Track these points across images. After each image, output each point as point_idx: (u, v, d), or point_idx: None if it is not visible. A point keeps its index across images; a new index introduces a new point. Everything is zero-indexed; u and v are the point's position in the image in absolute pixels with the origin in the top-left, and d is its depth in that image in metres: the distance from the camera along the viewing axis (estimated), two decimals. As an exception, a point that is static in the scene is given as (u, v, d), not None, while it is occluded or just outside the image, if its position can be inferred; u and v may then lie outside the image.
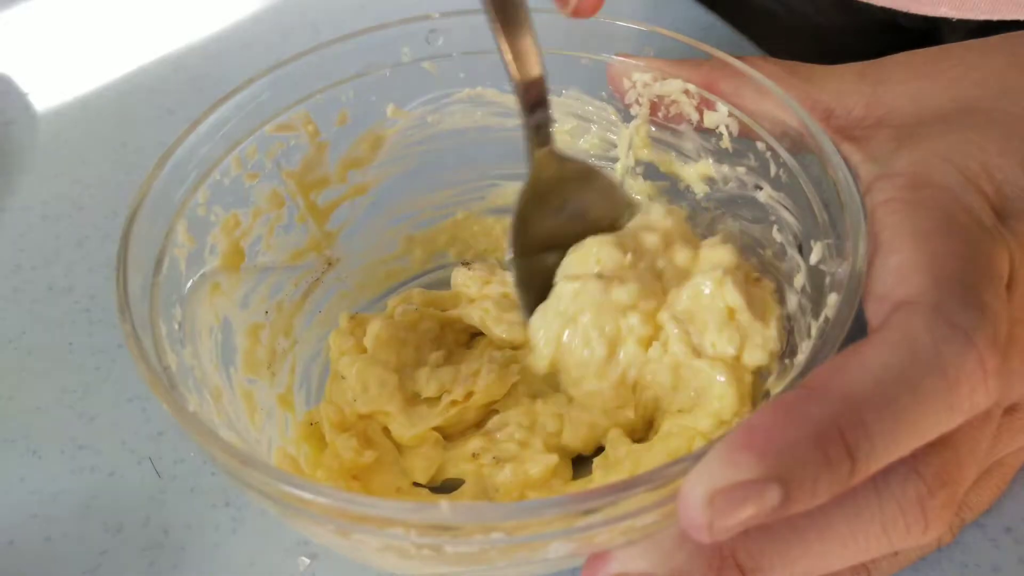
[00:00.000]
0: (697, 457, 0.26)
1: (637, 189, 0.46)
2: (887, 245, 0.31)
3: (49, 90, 0.62)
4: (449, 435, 0.42)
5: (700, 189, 0.43)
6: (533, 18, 0.42)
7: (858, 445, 0.26)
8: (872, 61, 0.40)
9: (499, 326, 0.43)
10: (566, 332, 0.39)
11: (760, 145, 0.39)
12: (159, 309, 0.35)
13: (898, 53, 0.40)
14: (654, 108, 0.43)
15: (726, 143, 0.41)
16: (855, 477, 0.26)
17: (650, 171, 0.45)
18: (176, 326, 0.36)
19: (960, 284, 0.29)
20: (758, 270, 0.41)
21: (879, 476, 0.28)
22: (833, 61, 0.41)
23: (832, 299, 0.32)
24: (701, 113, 0.41)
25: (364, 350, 0.42)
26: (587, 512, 0.27)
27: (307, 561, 0.39)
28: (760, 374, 0.38)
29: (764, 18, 0.69)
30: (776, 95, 0.38)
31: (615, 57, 0.43)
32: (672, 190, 0.45)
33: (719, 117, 0.41)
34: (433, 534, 0.27)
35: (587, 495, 0.27)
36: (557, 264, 0.41)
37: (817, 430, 0.26)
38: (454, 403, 0.41)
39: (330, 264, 0.46)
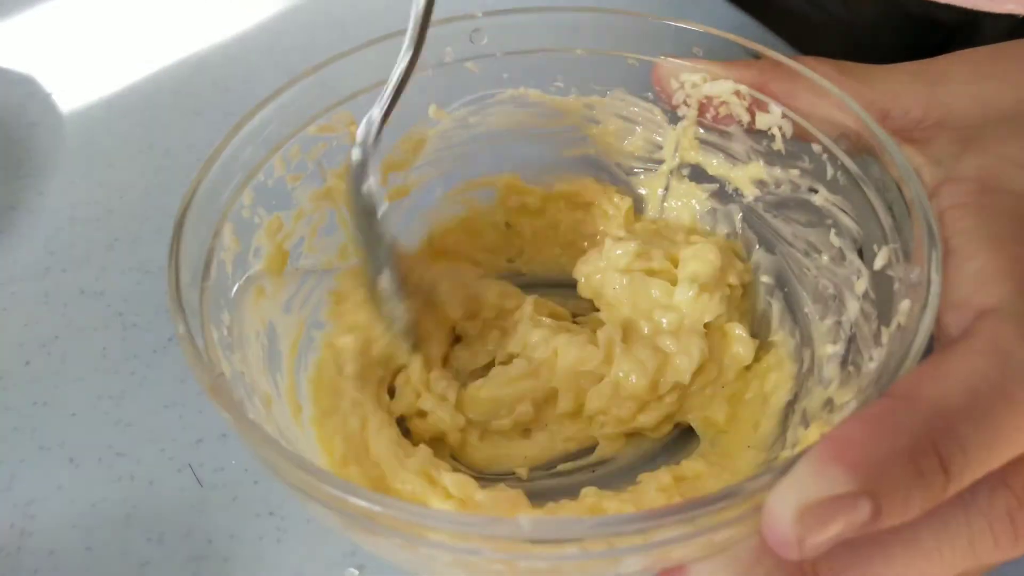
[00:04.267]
0: (781, 471, 0.25)
1: (683, 191, 0.45)
2: (961, 251, 0.30)
3: (73, 91, 0.61)
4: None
5: (750, 192, 0.43)
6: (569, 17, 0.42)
7: (952, 458, 0.25)
8: (927, 60, 0.39)
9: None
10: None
11: (816, 147, 0.39)
12: (209, 314, 0.34)
13: (953, 52, 0.39)
14: (702, 109, 0.42)
15: (779, 145, 0.40)
16: (948, 491, 0.25)
17: (697, 174, 0.44)
18: (225, 331, 0.35)
19: None
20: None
21: (965, 488, 0.27)
22: (867, 59, 0.40)
23: (905, 305, 0.31)
24: (752, 114, 0.40)
25: None
26: (665, 527, 0.26)
27: (355, 572, 0.38)
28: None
29: (794, 16, 0.68)
30: (834, 95, 0.37)
31: (662, 58, 0.42)
32: (720, 192, 0.44)
33: (772, 118, 0.40)
34: (507, 549, 0.26)
35: (665, 510, 0.26)
36: None
37: (909, 442, 0.25)
38: None
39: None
